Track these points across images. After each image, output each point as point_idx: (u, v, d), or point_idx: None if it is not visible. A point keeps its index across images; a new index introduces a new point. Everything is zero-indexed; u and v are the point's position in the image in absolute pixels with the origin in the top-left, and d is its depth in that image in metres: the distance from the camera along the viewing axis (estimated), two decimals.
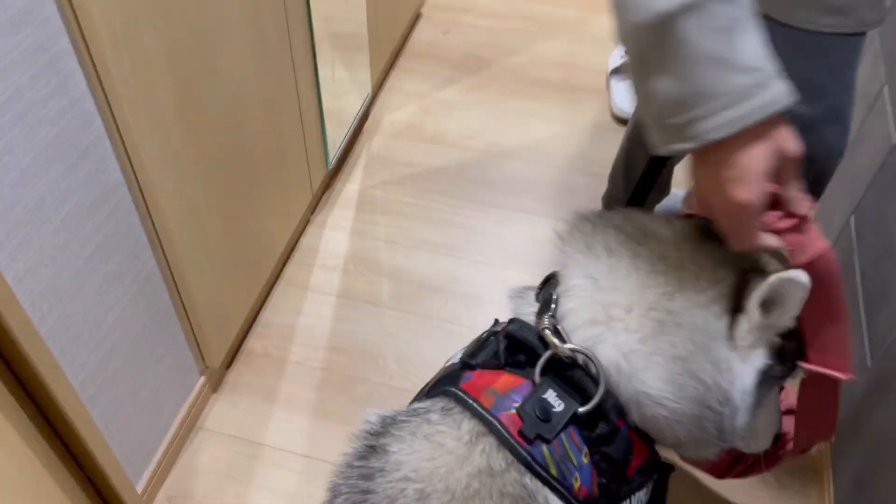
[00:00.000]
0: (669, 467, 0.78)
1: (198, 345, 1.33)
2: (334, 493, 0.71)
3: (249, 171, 1.36)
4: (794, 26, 0.90)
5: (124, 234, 1.06)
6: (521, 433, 0.67)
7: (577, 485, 0.67)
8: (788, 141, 0.63)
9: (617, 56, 2.06)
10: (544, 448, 0.67)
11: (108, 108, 0.95)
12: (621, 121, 1.97)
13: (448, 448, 0.68)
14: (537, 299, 0.75)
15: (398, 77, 2.12)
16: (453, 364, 0.77)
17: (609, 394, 0.69)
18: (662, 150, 0.64)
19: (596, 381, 0.68)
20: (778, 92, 0.60)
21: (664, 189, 1.54)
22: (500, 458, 0.66)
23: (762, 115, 0.59)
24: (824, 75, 0.96)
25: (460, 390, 0.71)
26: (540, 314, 0.72)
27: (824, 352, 0.70)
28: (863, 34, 0.94)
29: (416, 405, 0.74)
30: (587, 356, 0.69)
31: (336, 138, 1.80)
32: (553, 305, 0.72)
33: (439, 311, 1.56)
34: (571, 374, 0.69)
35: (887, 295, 1.22)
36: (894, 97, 1.38)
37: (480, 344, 0.76)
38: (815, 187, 1.07)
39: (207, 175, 1.20)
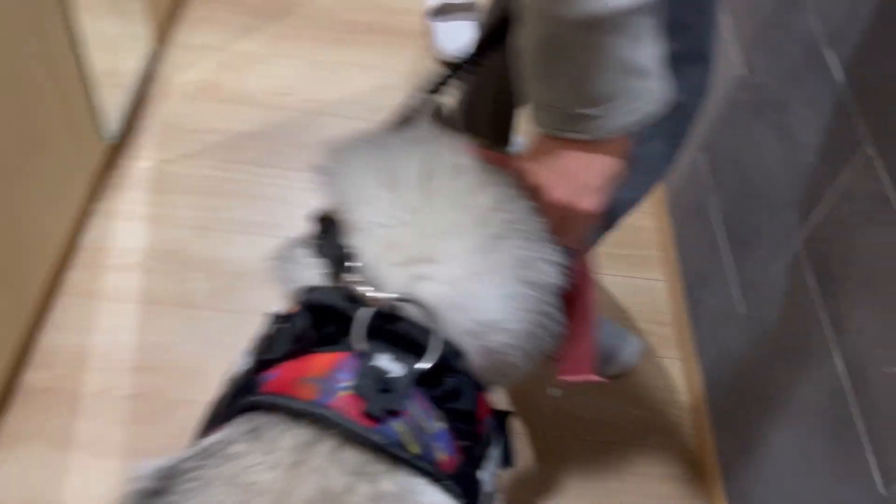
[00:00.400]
0: (506, 413, 0.67)
1: None
2: None
3: None
4: None
5: None
6: (367, 415, 0.52)
7: (441, 457, 0.54)
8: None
9: None
10: (395, 424, 0.52)
11: None
12: None
13: (264, 486, 0.48)
14: (321, 255, 0.62)
15: (187, 28, 1.78)
16: (246, 372, 0.59)
17: (446, 342, 0.57)
18: (546, 130, 0.61)
19: (427, 330, 0.57)
20: (662, 98, 0.60)
21: (506, 140, 1.39)
22: (351, 451, 0.50)
23: (650, 119, 0.60)
24: (686, 9, 0.84)
25: (265, 395, 0.54)
26: (336, 271, 0.60)
27: (575, 362, 0.71)
28: None
29: (207, 441, 0.53)
30: (414, 302, 0.57)
31: (115, 105, 1.46)
32: (350, 256, 0.60)
33: (268, 305, 1.32)
34: (397, 328, 0.57)
35: (755, 238, 1.16)
36: (738, 30, 1.31)
37: (272, 336, 0.60)
38: (684, 127, 0.96)
39: None
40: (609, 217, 1.07)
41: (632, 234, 1.55)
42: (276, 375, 0.56)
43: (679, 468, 1.26)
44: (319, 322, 0.58)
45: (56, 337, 1.25)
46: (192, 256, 1.39)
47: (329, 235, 0.63)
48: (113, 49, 1.54)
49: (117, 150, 1.50)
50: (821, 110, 1.01)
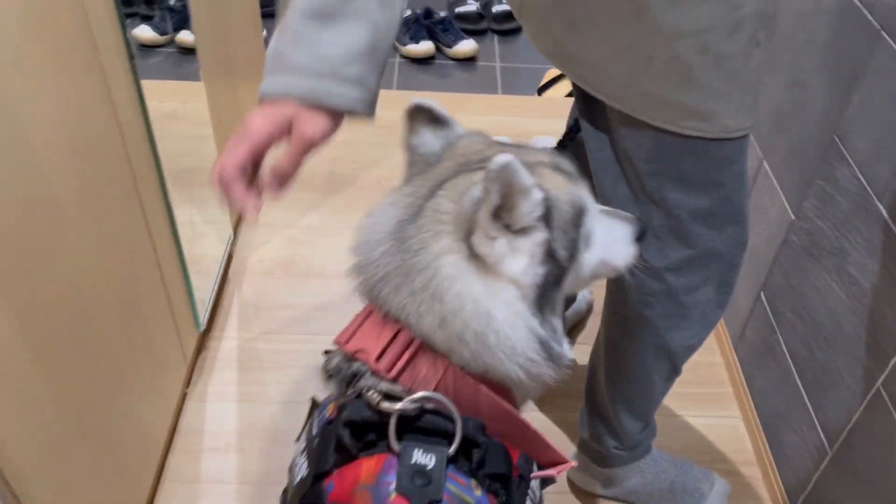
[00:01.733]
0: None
1: None
2: None
3: (114, 365, 1.12)
4: (662, 128, 0.87)
5: None
6: None
7: None
8: (308, 127, 0.71)
9: None
10: None
11: None
12: None
13: None
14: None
15: None
16: (303, 479, 0.68)
17: (464, 421, 0.65)
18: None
19: (448, 417, 0.65)
20: (322, 89, 0.69)
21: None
22: None
23: (293, 95, 0.70)
24: (713, 171, 0.93)
25: None
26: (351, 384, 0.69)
27: (540, 458, 0.73)
28: (737, 139, 0.91)
29: None
30: (431, 399, 0.65)
31: (202, 291, 1.58)
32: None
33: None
34: (420, 422, 0.65)
35: (831, 381, 1.19)
36: (776, 173, 1.40)
37: (321, 444, 0.68)
38: (729, 275, 1.04)
39: (65, 403, 0.96)
40: (672, 364, 1.13)
41: (704, 371, 1.59)
42: (335, 486, 0.65)
43: None
44: (359, 433, 0.66)
45: None
46: (282, 432, 1.45)
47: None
48: (197, 236, 1.68)
49: (206, 333, 1.60)
50: (878, 256, 1.07)
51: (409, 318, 0.67)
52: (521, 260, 0.66)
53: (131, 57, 1.12)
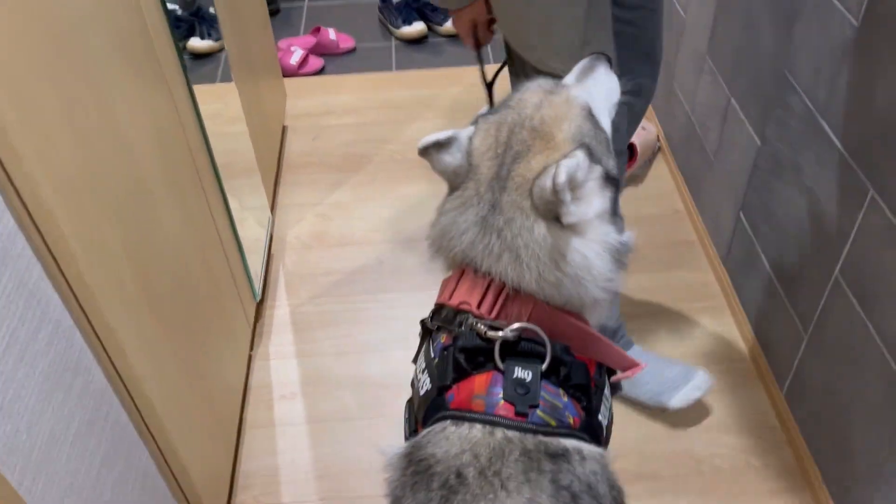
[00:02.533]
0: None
1: None
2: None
3: (204, 328, 1.34)
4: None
5: (119, 437, 1.02)
6: (518, 413, 0.81)
7: (571, 420, 0.83)
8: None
9: None
10: (539, 412, 0.81)
11: (85, 318, 0.93)
12: None
13: (475, 435, 0.81)
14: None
15: (286, 193, 2.14)
16: (428, 392, 0.87)
17: (552, 344, 0.83)
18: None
19: (539, 342, 0.83)
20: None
21: None
22: (515, 433, 0.81)
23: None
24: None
25: (454, 411, 0.83)
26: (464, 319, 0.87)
27: (615, 365, 0.91)
28: None
29: (423, 432, 0.85)
30: (524, 328, 0.83)
31: (254, 268, 1.80)
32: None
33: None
34: (520, 347, 0.83)
35: (802, 277, 1.41)
36: (742, 107, 1.60)
37: (441, 362, 0.87)
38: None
39: (175, 348, 1.18)
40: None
41: (699, 289, 1.80)
42: (454, 396, 0.84)
43: (784, 482, 1.46)
44: (471, 356, 0.85)
45: (250, 463, 1.53)
46: (338, 378, 1.68)
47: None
48: (241, 221, 1.89)
49: (260, 304, 1.82)
50: (826, 165, 1.28)
51: (506, 275, 0.84)
52: (595, 201, 0.84)
53: (184, 69, 1.33)
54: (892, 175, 1.11)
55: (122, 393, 1.03)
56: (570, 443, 0.83)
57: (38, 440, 0.83)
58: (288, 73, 2.73)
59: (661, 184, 2.10)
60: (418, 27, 2.84)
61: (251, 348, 1.73)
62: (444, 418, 0.83)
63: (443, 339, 0.89)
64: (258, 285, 1.77)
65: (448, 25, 2.88)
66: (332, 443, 1.56)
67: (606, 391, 0.92)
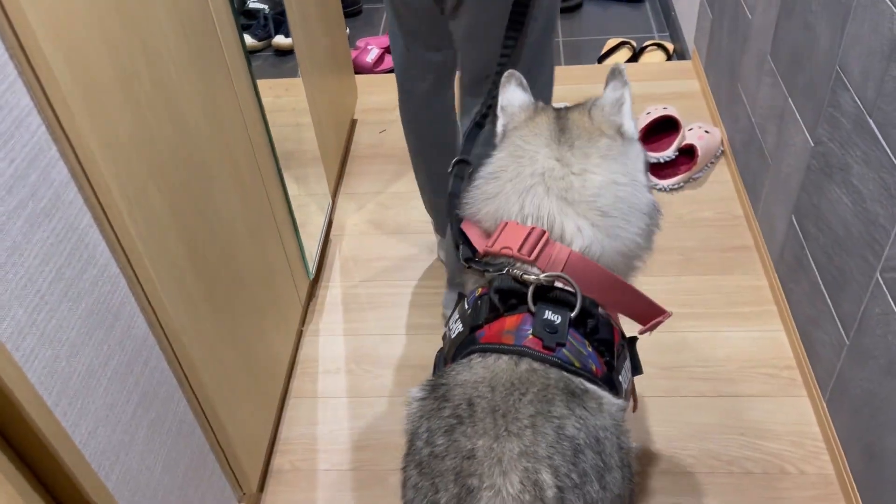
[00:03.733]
0: (634, 338, 1.02)
1: (234, 474, 1.36)
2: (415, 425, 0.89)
3: (250, 298, 1.43)
4: None
5: (158, 382, 1.12)
6: (545, 347, 0.86)
7: (594, 368, 0.88)
8: None
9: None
10: (564, 351, 0.86)
11: (129, 268, 1.02)
12: None
13: (499, 365, 0.86)
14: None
15: (350, 182, 2.23)
16: (460, 333, 0.93)
17: (584, 297, 0.89)
18: None
19: (572, 292, 0.89)
20: None
21: None
22: (539, 365, 0.86)
23: None
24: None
25: (483, 345, 0.88)
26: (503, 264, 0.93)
27: (644, 315, 0.97)
28: None
29: (452, 366, 0.90)
30: (560, 277, 0.89)
31: (310, 249, 1.89)
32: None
33: None
34: (553, 294, 0.89)
35: (845, 280, 1.37)
36: (799, 107, 1.57)
37: (474, 308, 0.92)
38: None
39: (218, 310, 1.27)
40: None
41: (750, 294, 1.77)
42: (485, 333, 0.89)
43: (818, 490, 1.42)
44: (505, 298, 0.90)
45: (291, 430, 1.62)
46: (381, 357, 1.74)
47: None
48: (303, 206, 1.99)
49: (314, 283, 1.91)
50: (872, 165, 1.25)
51: (552, 220, 0.93)
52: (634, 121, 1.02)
53: (248, 59, 1.43)
54: None
55: (162, 342, 1.12)
56: (591, 386, 0.86)
57: (77, 369, 0.92)
58: (364, 69, 2.84)
59: (721, 188, 2.07)
60: None
61: (302, 324, 1.82)
62: (473, 352, 0.89)
63: (478, 291, 0.94)
64: (312, 266, 1.86)
65: None
66: (371, 417, 1.62)
67: (626, 364, 0.97)
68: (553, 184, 0.94)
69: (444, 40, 1.44)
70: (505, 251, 0.91)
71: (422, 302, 1.86)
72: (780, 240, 1.70)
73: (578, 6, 3.11)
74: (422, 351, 1.74)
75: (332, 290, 1.92)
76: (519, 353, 0.85)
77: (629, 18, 3.03)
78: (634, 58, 2.74)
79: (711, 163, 2.14)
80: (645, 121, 2.18)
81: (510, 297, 0.90)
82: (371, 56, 2.83)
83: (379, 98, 2.55)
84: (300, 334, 1.80)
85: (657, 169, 2.10)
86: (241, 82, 1.41)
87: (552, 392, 0.83)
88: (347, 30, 3.09)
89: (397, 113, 2.48)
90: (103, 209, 0.96)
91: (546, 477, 0.77)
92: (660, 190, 2.08)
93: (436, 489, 0.80)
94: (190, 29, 1.20)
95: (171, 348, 1.14)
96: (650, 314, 0.97)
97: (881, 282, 1.23)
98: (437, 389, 0.88)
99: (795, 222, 1.61)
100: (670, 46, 2.74)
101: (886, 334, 1.22)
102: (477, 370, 0.86)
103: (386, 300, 1.87)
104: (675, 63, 2.59)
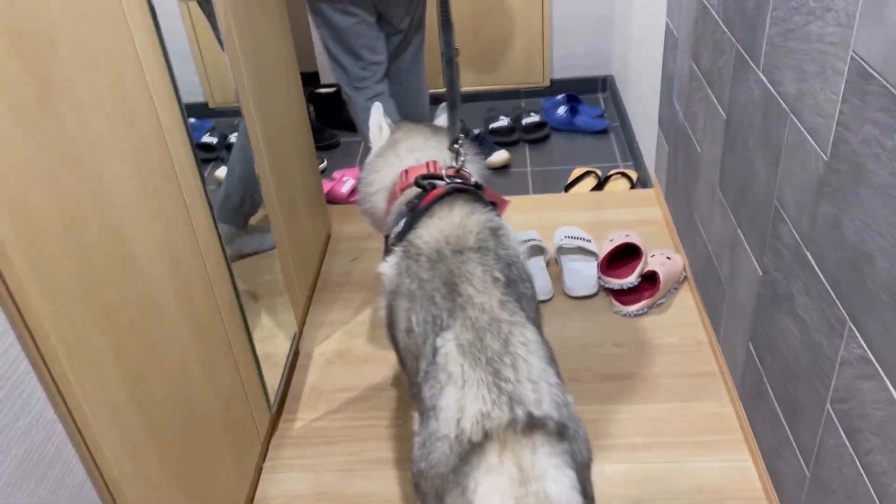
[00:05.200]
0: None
1: None
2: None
3: (203, 436, 1.41)
4: None
5: None
6: (464, 183, 1.41)
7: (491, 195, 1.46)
8: None
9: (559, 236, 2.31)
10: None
11: (67, 413, 1.02)
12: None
13: (445, 223, 1.32)
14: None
15: (319, 311, 2.25)
16: (405, 222, 1.37)
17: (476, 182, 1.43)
18: None
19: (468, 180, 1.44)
20: None
21: None
22: (468, 206, 1.35)
23: None
24: None
25: (426, 205, 1.35)
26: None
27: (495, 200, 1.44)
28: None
29: (412, 233, 1.35)
30: (459, 169, 1.48)
31: (274, 381, 1.87)
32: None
33: None
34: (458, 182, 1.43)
35: (801, 410, 1.36)
36: (747, 237, 1.62)
37: (406, 206, 1.42)
38: None
39: (166, 450, 1.25)
40: None
41: (717, 422, 1.75)
42: (421, 200, 1.36)
43: None
44: (431, 183, 1.39)
45: None
46: (345, 494, 1.69)
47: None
48: (269, 337, 1.99)
49: (276, 416, 1.88)
50: (815, 296, 1.27)
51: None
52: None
53: (208, 198, 1.48)
54: (865, 306, 1.10)
55: (101, 489, 1.09)
56: (502, 222, 1.34)
57: None
58: (339, 200, 2.92)
59: (685, 313, 2.09)
60: (502, 155, 3.04)
61: (262, 460, 1.77)
62: (419, 215, 1.32)
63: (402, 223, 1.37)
64: (275, 399, 1.84)
65: (494, 158, 3.04)
66: None
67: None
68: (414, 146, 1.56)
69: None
70: (417, 175, 1.42)
71: (387, 434, 1.83)
72: (741, 367, 1.71)
73: (546, 137, 3.24)
74: (388, 487, 1.70)
75: (296, 423, 1.89)
76: (451, 190, 1.34)
77: (595, 148, 3.16)
78: (600, 186, 2.84)
79: (675, 288, 2.17)
80: (608, 247, 2.23)
81: (429, 179, 1.39)
82: (346, 188, 2.92)
83: (352, 227, 2.61)
84: (259, 471, 1.75)
85: (621, 295, 2.13)
86: (200, 220, 1.45)
87: (484, 232, 1.27)
88: (325, 162, 3.21)
89: (370, 242, 2.55)
90: (41, 356, 0.96)
91: (498, 274, 1.19)
92: (624, 315, 2.10)
93: (431, 295, 1.17)
94: (146, 170, 1.25)
95: (109, 494, 1.11)
96: (501, 203, 1.46)
97: (832, 413, 1.23)
98: (408, 251, 1.28)
99: (752, 350, 1.62)
100: (634, 175, 2.84)
101: (842, 467, 1.20)
102: (433, 231, 1.28)
103: (350, 433, 1.84)
104: (638, 191, 2.68)
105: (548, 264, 2.29)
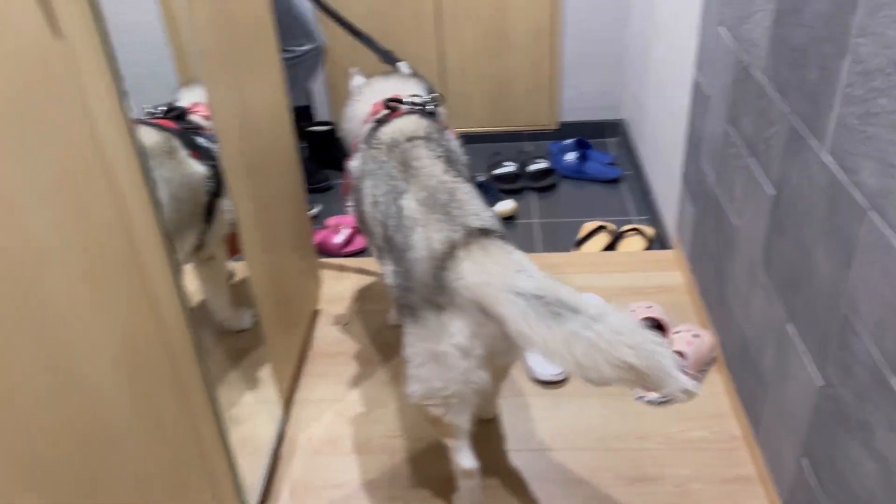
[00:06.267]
0: None
1: None
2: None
3: None
4: None
5: None
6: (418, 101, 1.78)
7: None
8: None
9: None
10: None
11: None
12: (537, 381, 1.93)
13: (398, 128, 1.65)
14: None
15: (307, 385, 2.02)
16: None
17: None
18: None
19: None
20: None
21: None
22: (417, 118, 1.67)
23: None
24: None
25: (393, 118, 1.70)
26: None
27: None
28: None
29: (379, 131, 1.67)
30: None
31: (253, 476, 1.65)
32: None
33: None
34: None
35: None
36: (802, 334, 1.41)
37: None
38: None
39: None
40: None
41: None
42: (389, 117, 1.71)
43: None
44: (391, 105, 1.76)
45: None
46: None
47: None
48: (249, 418, 1.77)
49: None
50: None
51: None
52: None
53: (179, 288, 1.26)
54: None
55: None
56: (447, 129, 1.70)
57: None
58: (332, 252, 2.70)
59: (715, 402, 1.88)
60: (508, 205, 2.84)
61: None
62: (382, 122, 1.66)
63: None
64: (251, 488, 1.61)
65: (499, 208, 2.84)
66: None
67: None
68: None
69: None
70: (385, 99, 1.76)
71: None
72: (789, 481, 1.49)
73: (554, 186, 3.05)
74: None
75: None
76: (411, 109, 1.69)
77: (606, 199, 2.96)
78: (613, 243, 2.64)
79: (703, 370, 1.96)
80: None
81: (394, 101, 1.73)
82: (340, 237, 2.70)
83: (345, 285, 2.40)
84: None
85: None
86: (169, 311, 1.23)
87: (431, 128, 1.60)
88: (316, 208, 2.99)
89: (365, 303, 2.33)
90: None
91: (441, 154, 1.52)
92: (647, 403, 1.89)
93: (390, 172, 1.49)
94: (100, 269, 1.03)
95: None
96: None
97: None
98: (370, 144, 1.61)
99: (808, 466, 1.40)
100: (650, 231, 2.65)
101: None
102: (391, 128, 1.61)
103: None
104: (656, 253, 2.48)
105: None
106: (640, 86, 2.97)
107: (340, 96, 3.36)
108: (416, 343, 1.35)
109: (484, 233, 1.32)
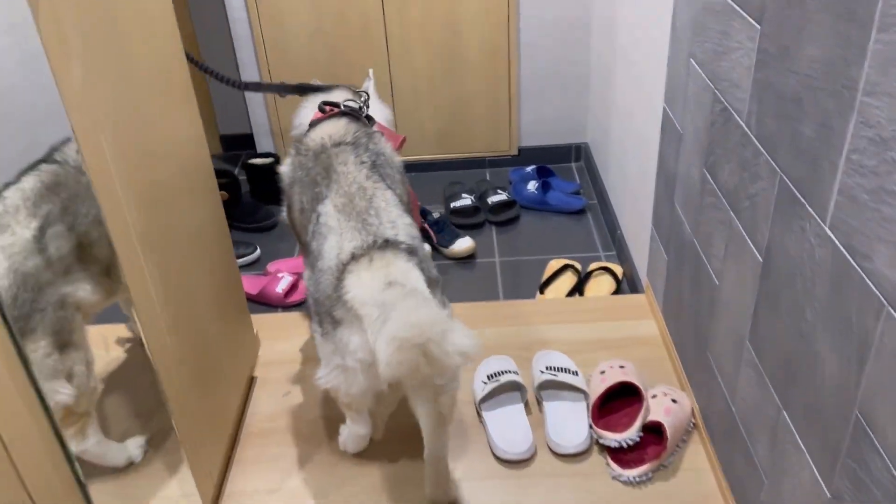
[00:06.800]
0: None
1: None
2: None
3: None
4: None
5: None
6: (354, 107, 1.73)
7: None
8: None
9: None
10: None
11: None
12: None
13: (331, 129, 1.63)
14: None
15: (238, 475, 1.77)
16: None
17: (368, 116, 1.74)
18: None
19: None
20: None
21: None
22: (350, 121, 1.65)
23: None
24: None
25: (324, 118, 1.69)
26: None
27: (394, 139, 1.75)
28: None
29: (306, 135, 1.69)
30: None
31: None
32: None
33: None
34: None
35: None
36: (801, 434, 1.21)
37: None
38: None
39: None
40: None
41: None
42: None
43: None
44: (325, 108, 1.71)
45: None
46: None
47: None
48: None
49: None
50: None
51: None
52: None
53: (28, 369, 1.02)
54: None
55: None
56: (378, 133, 1.63)
57: None
58: (272, 302, 2.46)
59: (698, 478, 1.68)
60: (466, 244, 2.62)
61: None
62: (314, 125, 1.65)
63: None
64: None
65: (456, 247, 2.62)
66: None
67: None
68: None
69: None
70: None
71: None
72: None
73: (516, 219, 2.84)
74: None
75: None
76: (341, 113, 1.64)
77: (571, 232, 2.76)
78: (580, 283, 2.44)
79: (683, 440, 1.76)
80: (600, 387, 1.81)
81: (328, 104, 1.67)
82: (282, 286, 2.46)
83: (286, 345, 2.16)
84: None
85: (619, 454, 1.71)
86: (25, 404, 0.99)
87: (360, 132, 1.59)
88: (258, 250, 2.74)
89: (308, 365, 2.09)
90: None
91: (365, 159, 1.50)
92: (624, 482, 1.68)
93: (314, 179, 1.50)
94: None
95: None
96: (396, 138, 1.72)
97: None
98: (299, 149, 1.60)
99: None
100: (618, 270, 2.45)
101: None
102: (319, 132, 1.59)
103: None
104: (626, 298, 2.27)
105: (526, 404, 1.86)
106: (605, 111, 2.78)
107: (285, 125, 3.11)
108: (325, 353, 1.38)
109: (389, 244, 1.30)
